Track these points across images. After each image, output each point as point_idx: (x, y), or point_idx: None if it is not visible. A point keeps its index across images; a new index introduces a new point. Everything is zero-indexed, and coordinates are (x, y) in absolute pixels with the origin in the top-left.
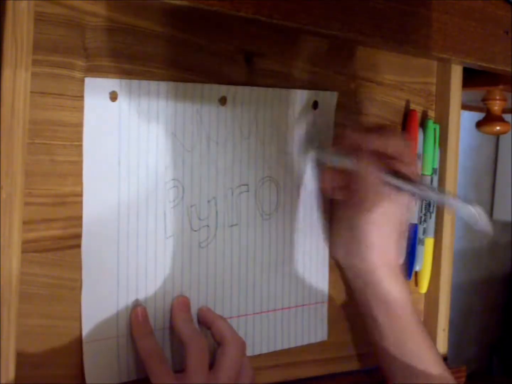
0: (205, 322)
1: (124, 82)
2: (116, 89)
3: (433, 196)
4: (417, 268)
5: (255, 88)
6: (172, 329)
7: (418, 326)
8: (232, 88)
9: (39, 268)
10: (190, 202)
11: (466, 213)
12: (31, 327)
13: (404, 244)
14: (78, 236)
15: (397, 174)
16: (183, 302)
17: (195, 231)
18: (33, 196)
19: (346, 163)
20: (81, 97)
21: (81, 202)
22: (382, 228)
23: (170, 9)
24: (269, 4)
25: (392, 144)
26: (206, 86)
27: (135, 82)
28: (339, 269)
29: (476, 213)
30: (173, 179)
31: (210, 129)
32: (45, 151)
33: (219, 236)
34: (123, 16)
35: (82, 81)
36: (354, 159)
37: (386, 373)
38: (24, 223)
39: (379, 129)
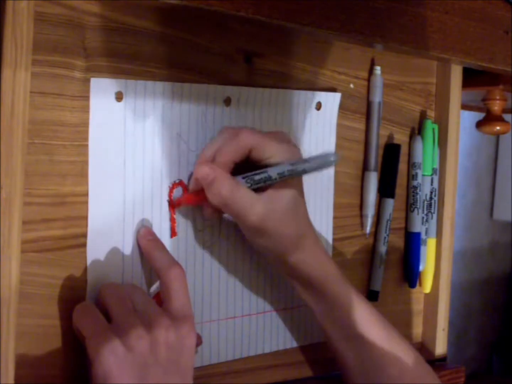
0: (145, 252)
1: (130, 82)
2: (122, 89)
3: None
4: (420, 268)
5: (259, 89)
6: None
7: (347, 298)
8: (237, 89)
9: (39, 268)
10: None
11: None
12: (31, 327)
13: (307, 214)
14: (78, 236)
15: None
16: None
17: (200, 231)
18: (32, 196)
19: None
20: (81, 97)
21: (81, 202)
22: (269, 225)
23: (169, 9)
24: (269, 4)
25: (240, 144)
26: (211, 87)
27: (140, 83)
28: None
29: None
30: (178, 179)
31: (215, 129)
32: (45, 151)
33: (223, 236)
34: (123, 16)
35: (82, 81)
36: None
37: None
38: (24, 223)
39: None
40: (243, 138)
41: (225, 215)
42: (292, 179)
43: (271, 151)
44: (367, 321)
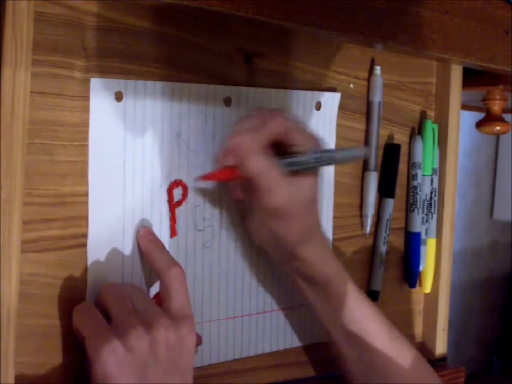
0: (145, 252)
1: (130, 82)
2: (122, 89)
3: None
4: (420, 268)
5: (259, 89)
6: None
7: (352, 297)
8: (237, 89)
9: (39, 268)
10: (194, 202)
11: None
12: (31, 327)
13: (318, 216)
14: (78, 236)
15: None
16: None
17: (200, 231)
18: (32, 196)
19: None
20: (81, 97)
21: (80, 202)
22: (290, 211)
23: (169, 9)
24: (269, 4)
25: (271, 130)
26: (211, 87)
27: (140, 83)
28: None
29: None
30: (178, 179)
31: (215, 129)
32: (45, 151)
33: (224, 236)
34: (123, 16)
35: (82, 81)
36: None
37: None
38: (24, 223)
39: (256, 118)
40: (279, 121)
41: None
42: (314, 169)
43: (301, 139)
44: (370, 321)
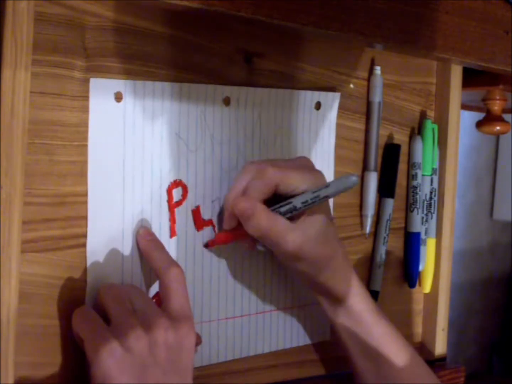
0: (144, 252)
1: (129, 82)
2: (121, 89)
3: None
4: (420, 268)
5: (259, 89)
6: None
7: (371, 316)
8: (236, 88)
9: (39, 268)
10: (194, 202)
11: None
12: (31, 327)
13: (336, 234)
14: (78, 236)
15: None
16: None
17: (199, 231)
18: (32, 196)
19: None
20: (81, 97)
21: (80, 202)
22: (304, 250)
23: (170, 9)
24: (269, 4)
25: (265, 185)
26: (210, 87)
27: (139, 83)
28: None
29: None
30: (177, 179)
31: (214, 129)
32: (45, 151)
33: None
34: (123, 16)
35: (82, 81)
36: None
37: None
38: (24, 223)
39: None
40: (269, 176)
41: (259, 246)
42: (319, 204)
43: (296, 183)
44: (388, 340)
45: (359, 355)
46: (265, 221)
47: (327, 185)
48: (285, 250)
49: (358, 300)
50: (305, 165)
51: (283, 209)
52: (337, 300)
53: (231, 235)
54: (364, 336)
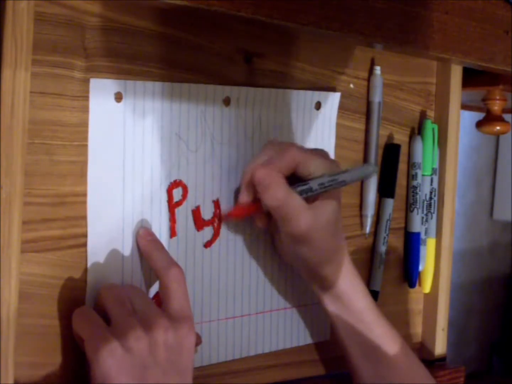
0: (144, 252)
1: (129, 83)
2: (121, 90)
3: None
4: (420, 268)
5: (259, 89)
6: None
7: (370, 313)
8: (236, 88)
9: (39, 268)
10: (194, 202)
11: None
12: (31, 327)
13: (342, 233)
14: (78, 236)
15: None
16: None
17: (199, 231)
18: (32, 196)
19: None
20: (81, 97)
21: (80, 202)
22: (312, 235)
23: (169, 9)
24: (269, 4)
25: (286, 163)
26: (210, 87)
27: (139, 83)
28: None
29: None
30: (178, 179)
31: (214, 129)
32: (45, 151)
33: (223, 237)
34: (123, 16)
35: (82, 81)
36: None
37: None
38: (24, 223)
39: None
40: (292, 154)
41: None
42: (334, 191)
43: (315, 167)
44: (388, 341)
45: (358, 353)
46: (282, 193)
47: (345, 171)
48: (296, 229)
49: (359, 297)
50: (325, 154)
51: (299, 189)
52: (338, 296)
53: (246, 209)
54: (364, 335)
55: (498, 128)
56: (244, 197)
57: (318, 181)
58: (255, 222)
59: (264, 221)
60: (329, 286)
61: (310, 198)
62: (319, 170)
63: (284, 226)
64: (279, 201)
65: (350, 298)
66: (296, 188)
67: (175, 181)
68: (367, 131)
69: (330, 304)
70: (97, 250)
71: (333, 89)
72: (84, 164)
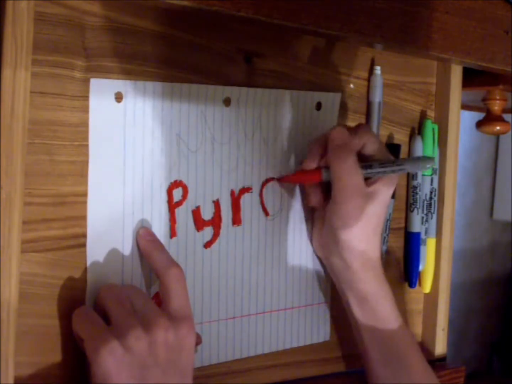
0: (144, 252)
1: (129, 83)
2: (122, 90)
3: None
4: (420, 268)
5: (259, 89)
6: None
7: (396, 321)
8: (237, 89)
9: (39, 268)
10: (194, 202)
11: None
12: (31, 327)
13: (381, 238)
14: (78, 236)
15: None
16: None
17: (199, 231)
18: (32, 196)
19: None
20: (81, 97)
21: (81, 202)
22: (357, 223)
23: (170, 9)
24: (269, 4)
25: (362, 140)
26: (211, 87)
27: (139, 83)
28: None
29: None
30: (178, 180)
31: (215, 130)
32: (45, 151)
33: (223, 237)
34: (123, 16)
35: (82, 81)
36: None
37: (367, 372)
38: (24, 223)
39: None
40: (362, 131)
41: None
42: (391, 181)
43: (378, 150)
44: (411, 352)
45: (378, 357)
46: (351, 162)
47: (406, 159)
48: (342, 212)
49: (386, 303)
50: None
51: (361, 164)
52: (365, 298)
53: (306, 175)
54: (388, 342)
55: (498, 128)
56: (308, 163)
57: (379, 161)
58: (308, 198)
59: (317, 198)
60: (357, 287)
61: (367, 179)
62: (380, 154)
63: (335, 202)
64: (347, 166)
65: (378, 302)
66: (363, 168)
67: (175, 181)
68: None
69: (356, 306)
70: (97, 250)
71: (333, 89)
72: (84, 164)
